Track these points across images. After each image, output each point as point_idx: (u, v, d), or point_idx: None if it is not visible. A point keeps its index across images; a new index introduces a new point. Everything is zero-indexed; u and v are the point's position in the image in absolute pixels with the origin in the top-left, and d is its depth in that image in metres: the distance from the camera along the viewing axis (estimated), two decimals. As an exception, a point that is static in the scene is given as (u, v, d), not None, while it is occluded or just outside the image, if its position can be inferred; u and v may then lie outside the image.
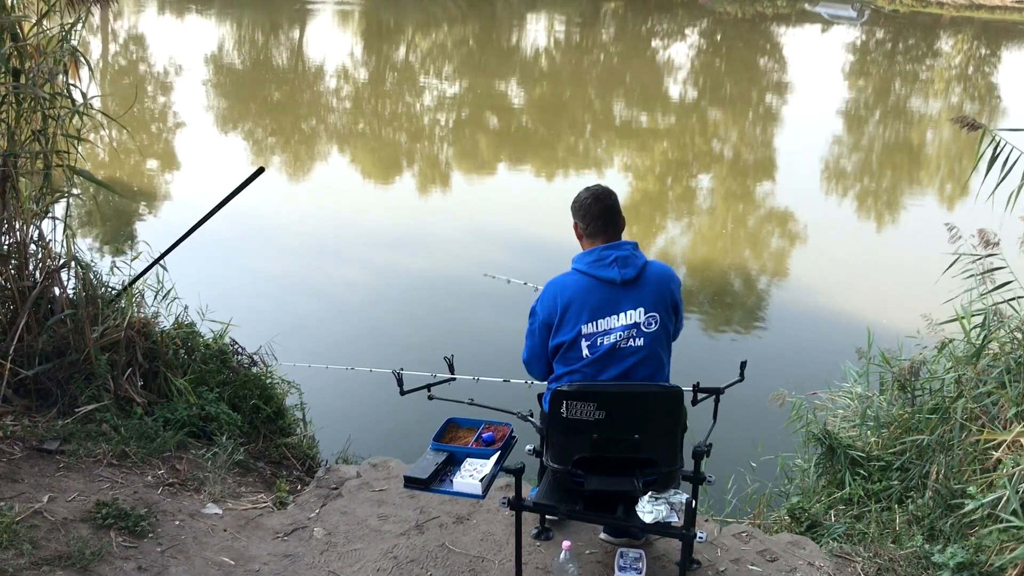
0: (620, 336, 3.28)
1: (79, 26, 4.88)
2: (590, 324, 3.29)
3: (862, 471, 4.56)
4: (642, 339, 3.28)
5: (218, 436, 4.38)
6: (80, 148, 4.86)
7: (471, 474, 3.28)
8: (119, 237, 9.12)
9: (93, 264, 4.66)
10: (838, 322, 7.95)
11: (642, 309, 3.29)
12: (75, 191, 4.85)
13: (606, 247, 3.34)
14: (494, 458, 3.35)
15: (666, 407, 3.17)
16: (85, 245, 4.95)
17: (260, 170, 4.61)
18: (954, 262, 4.50)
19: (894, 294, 8.24)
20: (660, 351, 3.33)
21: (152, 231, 9.52)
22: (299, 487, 4.45)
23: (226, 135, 15.25)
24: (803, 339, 7.76)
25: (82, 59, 4.85)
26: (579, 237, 3.48)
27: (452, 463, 3.39)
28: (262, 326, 5.82)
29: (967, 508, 3.51)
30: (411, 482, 3.27)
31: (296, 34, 27.66)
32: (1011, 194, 3.99)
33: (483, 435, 3.51)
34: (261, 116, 16.91)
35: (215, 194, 4.74)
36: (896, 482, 4.40)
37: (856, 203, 13.32)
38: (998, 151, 4.00)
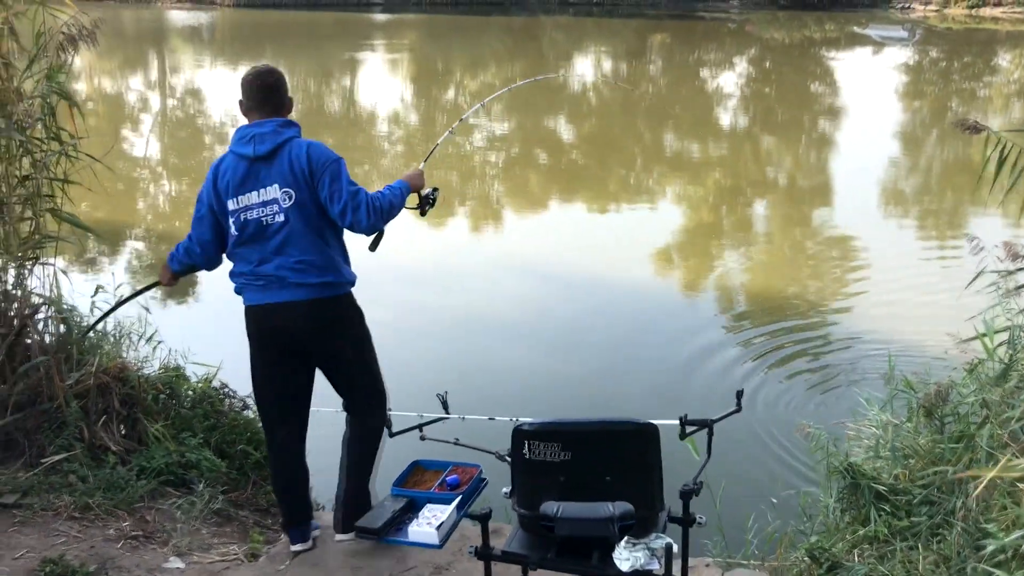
0: (261, 212, 3.37)
1: (65, 69, 4.85)
2: (233, 200, 3.40)
3: (887, 506, 4.17)
4: (283, 215, 3.37)
5: (196, 484, 4.19)
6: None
7: (428, 522, 3.03)
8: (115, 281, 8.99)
9: (75, 308, 4.56)
10: (876, 346, 7.48)
11: (276, 185, 3.37)
12: (67, 236, 4.79)
13: (250, 125, 3.48)
14: (454, 503, 3.09)
15: (637, 446, 2.90)
16: (74, 290, 4.81)
17: None
18: (976, 277, 4.13)
19: (927, 315, 7.75)
20: (310, 228, 3.40)
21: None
22: (281, 536, 4.22)
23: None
24: (840, 365, 7.30)
25: (71, 102, 4.81)
26: (244, 115, 3.58)
27: (412, 509, 3.15)
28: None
29: (988, 549, 3.13)
30: (362, 532, 3.04)
31: (347, 81, 28.03)
32: (1024, 202, 3.64)
33: (447, 478, 3.26)
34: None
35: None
36: (924, 518, 4.00)
37: (901, 222, 12.82)
38: (1005, 155, 3.63)
